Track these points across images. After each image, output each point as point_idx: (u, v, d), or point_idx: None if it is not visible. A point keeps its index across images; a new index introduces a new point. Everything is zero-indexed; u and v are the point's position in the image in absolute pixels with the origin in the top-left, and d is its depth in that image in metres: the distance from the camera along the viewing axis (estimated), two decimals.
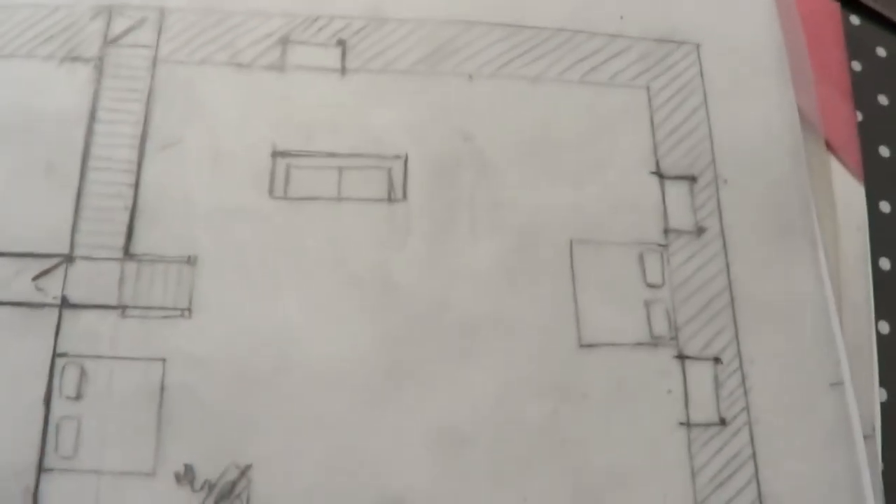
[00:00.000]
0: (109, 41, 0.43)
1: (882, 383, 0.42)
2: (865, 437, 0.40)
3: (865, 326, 0.42)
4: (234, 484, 0.37)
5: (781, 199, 0.43)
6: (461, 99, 0.43)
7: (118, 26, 0.43)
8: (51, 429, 0.37)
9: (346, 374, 0.39)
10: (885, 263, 0.44)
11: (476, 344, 0.40)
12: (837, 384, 0.40)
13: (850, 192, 0.45)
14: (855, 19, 0.50)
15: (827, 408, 0.40)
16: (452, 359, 0.39)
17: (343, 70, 0.43)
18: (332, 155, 0.42)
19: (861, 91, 0.48)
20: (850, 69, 0.48)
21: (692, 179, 0.43)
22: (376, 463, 0.37)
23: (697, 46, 0.45)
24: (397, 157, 0.42)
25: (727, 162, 0.43)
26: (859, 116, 0.47)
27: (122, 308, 0.39)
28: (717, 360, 0.40)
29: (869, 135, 0.47)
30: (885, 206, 0.46)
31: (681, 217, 0.42)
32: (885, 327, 0.43)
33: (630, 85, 0.44)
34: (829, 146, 0.45)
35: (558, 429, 0.38)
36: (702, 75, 0.45)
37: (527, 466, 0.38)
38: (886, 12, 0.49)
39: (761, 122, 0.44)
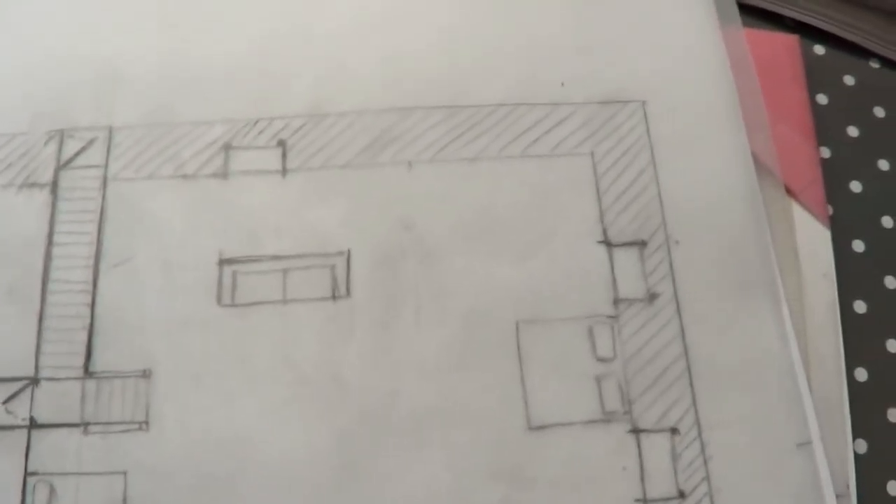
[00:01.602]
0: (62, 164, 0.44)
1: (859, 434, 0.41)
2: (838, 497, 0.39)
3: (835, 378, 0.41)
4: None
5: (739, 254, 0.42)
6: (401, 188, 0.43)
7: (70, 149, 0.45)
8: None
9: (302, 473, 0.39)
10: (860, 307, 0.43)
11: (427, 434, 0.40)
12: (805, 444, 0.39)
13: (814, 238, 0.44)
14: (819, 49, 0.48)
15: (794, 470, 0.39)
16: (405, 451, 0.39)
17: (284, 171, 0.44)
18: (276, 258, 0.42)
19: (827, 125, 0.46)
20: (815, 103, 0.47)
21: (642, 244, 0.42)
22: None
23: (643, 104, 0.45)
24: (340, 253, 0.42)
25: (678, 222, 0.42)
26: (825, 153, 0.46)
27: (84, 425, 0.40)
28: (674, 430, 0.39)
29: (837, 171, 0.45)
30: (858, 246, 0.44)
31: (631, 285, 0.42)
32: (862, 374, 0.42)
33: (574, 153, 0.44)
34: (790, 191, 0.44)
35: None
36: (648, 134, 0.44)
37: None
38: (853, 37, 0.47)
39: (714, 175, 0.43)
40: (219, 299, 0.42)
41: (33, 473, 0.40)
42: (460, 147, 0.44)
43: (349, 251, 0.42)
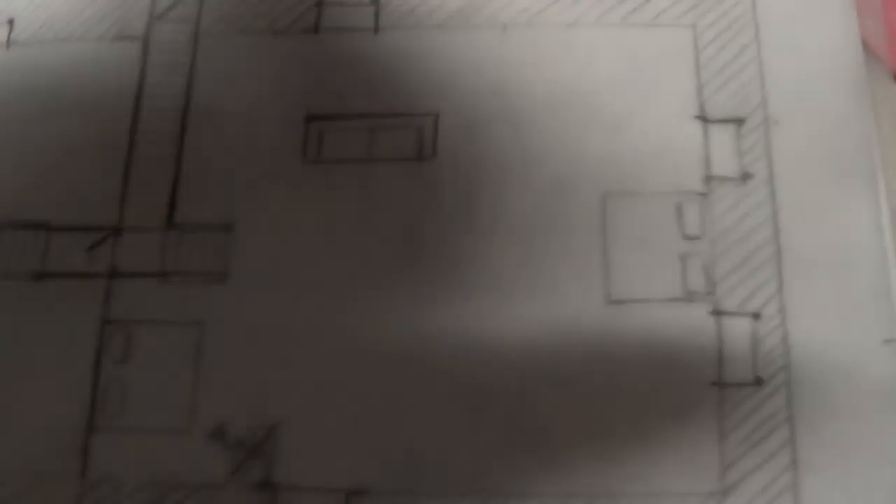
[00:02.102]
0: (155, 17, 0.44)
1: None
2: None
3: None
4: (262, 441, 0.38)
5: (841, 140, 0.40)
6: (494, 52, 0.42)
7: (163, 2, 0.44)
8: (100, 391, 0.39)
9: (375, 334, 0.39)
10: None
11: (504, 301, 0.39)
12: (891, 341, 0.37)
13: None
14: None
15: (878, 367, 0.37)
16: (482, 315, 0.39)
17: (377, 28, 0.43)
18: (363, 116, 0.42)
19: None
20: None
21: (739, 122, 0.40)
22: (399, 421, 0.38)
23: None
24: (428, 114, 0.42)
25: (779, 101, 0.40)
26: None
27: (163, 275, 0.41)
28: (756, 315, 0.38)
29: None
30: None
31: (725, 163, 0.40)
32: None
33: (675, 24, 0.42)
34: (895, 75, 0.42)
35: (582, 386, 0.38)
36: (754, 8, 0.42)
37: (550, 423, 0.37)
38: None
39: (820, 56, 0.41)
40: (304, 155, 0.42)
41: (111, 321, 0.40)
42: (558, 12, 0.43)
43: (438, 114, 0.42)
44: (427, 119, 0.42)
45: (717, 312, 0.38)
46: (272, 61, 0.43)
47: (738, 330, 0.38)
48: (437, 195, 0.40)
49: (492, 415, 0.38)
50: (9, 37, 0.45)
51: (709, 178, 0.40)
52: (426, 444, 0.38)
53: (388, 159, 0.41)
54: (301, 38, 0.43)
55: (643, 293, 0.38)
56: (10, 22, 0.45)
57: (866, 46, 0.41)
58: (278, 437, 0.38)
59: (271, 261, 0.40)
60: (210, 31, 0.44)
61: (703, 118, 0.40)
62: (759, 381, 0.37)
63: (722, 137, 0.40)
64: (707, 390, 0.37)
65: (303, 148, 0.42)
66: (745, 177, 0.40)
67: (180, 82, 0.43)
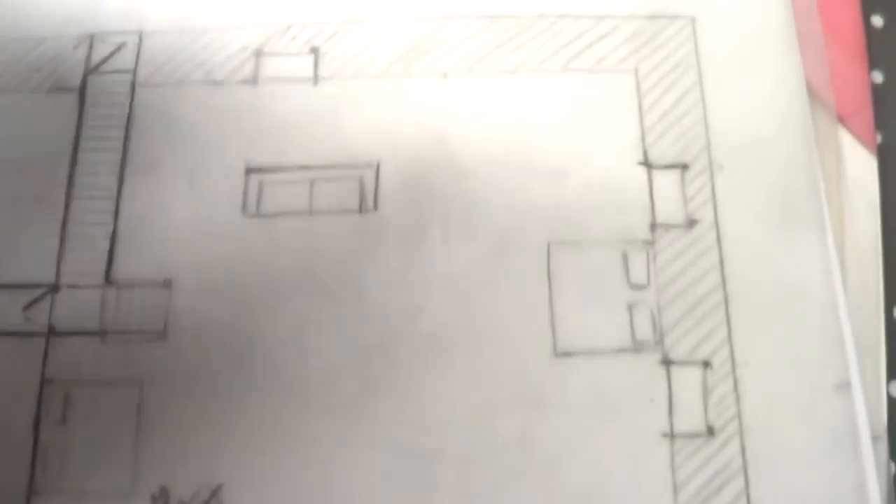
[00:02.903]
0: (91, 69, 0.43)
1: (894, 376, 0.39)
2: (874, 439, 0.37)
3: (874, 316, 0.39)
4: None
5: (786, 182, 0.40)
6: (436, 99, 0.42)
7: (99, 54, 0.44)
8: (39, 453, 0.38)
9: (318, 388, 0.38)
10: None
11: (449, 354, 0.38)
12: (843, 385, 0.37)
13: (860, 167, 0.41)
14: None
15: (830, 412, 0.37)
16: (426, 370, 0.38)
17: (316, 78, 0.43)
18: (304, 167, 0.41)
19: (882, 48, 0.43)
20: (869, 25, 0.43)
21: (684, 167, 0.40)
22: (345, 480, 0.37)
23: (692, 20, 0.42)
24: (369, 165, 0.41)
25: (724, 145, 0.40)
26: (878, 78, 0.43)
27: (102, 334, 0.40)
28: (706, 364, 0.38)
29: (888, 97, 0.42)
30: None
31: (670, 209, 0.40)
32: None
33: (617, 69, 0.42)
34: (838, 116, 0.41)
35: (530, 442, 0.37)
36: (697, 52, 0.42)
37: (499, 482, 0.37)
38: None
39: (764, 98, 0.41)
40: (244, 208, 0.41)
41: (50, 381, 0.39)
42: (499, 59, 0.42)
43: (379, 163, 0.41)
44: (368, 170, 0.41)
45: (667, 362, 0.38)
46: (210, 112, 0.42)
47: (689, 379, 0.37)
48: (380, 247, 0.40)
49: (441, 473, 0.37)
50: None
51: (654, 226, 0.39)
52: (374, 503, 0.37)
53: (330, 212, 0.40)
54: (239, 88, 0.42)
55: (591, 344, 0.38)
56: None
57: (810, 88, 0.41)
58: (222, 500, 0.37)
59: (212, 317, 0.39)
60: (147, 83, 0.43)
61: (648, 164, 0.40)
62: (711, 431, 0.37)
63: (666, 184, 0.40)
64: (659, 442, 0.37)
65: (243, 201, 0.41)
66: (691, 223, 0.39)
67: (117, 135, 0.42)
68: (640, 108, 0.41)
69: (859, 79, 0.42)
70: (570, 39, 0.42)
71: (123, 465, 0.38)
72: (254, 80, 0.43)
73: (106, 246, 0.41)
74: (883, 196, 0.41)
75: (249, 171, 0.41)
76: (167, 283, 0.40)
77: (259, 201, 0.41)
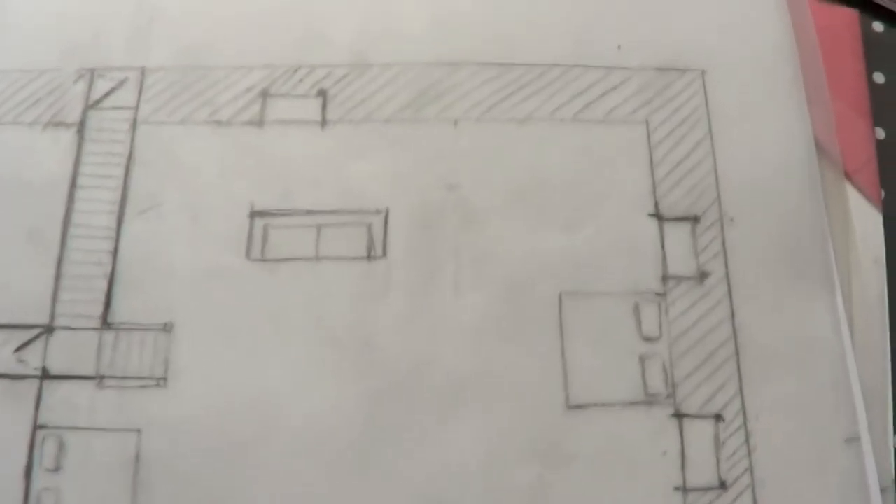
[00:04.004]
0: (91, 104, 0.43)
1: None
2: (883, 491, 0.37)
3: (881, 369, 0.39)
4: None
5: (795, 235, 0.40)
6: (446, 146, 0.42)
7: (100, 89, 0.43)
8: (31, 501, 0.37)
9: (326, 438, 0.38)
10: None
11: (460, 405, 0.38)
12: (853, 438, 0.37)
13: (866, 221, 0.41)
14: (878, 26, 0.46)
15: (840, 465, 0.37)
16: (435, 421, 0.38)
17: (323, 122, 0.42)
18: (310, 212, 0.41)
19: (884, 105, 0.44)
20: (871, 81, 0.44)
21: (694, 220, 0.40)
22: None
23: (702, 73, 0.43)
24: (378, 211, 0.41)
25: (734, 198, 0.41)
26: (881, 134, 0.43)
27: (99, 378, 0.38)
28: (718, 417, 0.37)
29: (891, 153, 0.43)
30: None
31: (681, 262, 0.40)
32: None
33: (628, 120, 0.42)
34: (846, 172, 0.42)
35: (544, 495, 0.37)
36: (707, 104, 0.42)
37: None
38: None
39: (773, 151, 0.41)
40: (248, 253, 0.40)
41: (43, 426, 0.38)
42: (510, 107, 0.42)
43: (387, 209, 0.41)
44: (377, 216, 0.41)
45: (679, 415, 0.37)
46: (214, 153, 0.42)
47: (701, 433, 0.37)
48: (389, 295, 0.39)
49: None
50: None
51: (666, 278, 0.39)
52: None
53: (337, 258, 0.40)
54: (245, 129, 0.42)
55: (603, 397, 0.38)
56: None
57: (818, 143, 0.42)
58: None
59: (214, 362, 0.38)
60: (149, 120, 0.42)
61: (659, 216, 0.40)
62: (723, 485, 0.37)
63: (678, 236, 0.40)
64: (672, 496, 0.36)
65: (247, 244, 0.40)
66: (703, 276, 0.39)
67: (118, 173, 0.41)
68: (651, 160, 0.41)
69: (864, 135, 0.43)
70: (581, 90, 0.42)
71: None
72: (260, 122, 0.42)
73: (104, 287, 0.40)
74: (889, 251, 0.41)
75: (254, 214, 0.41)
76: (168, 327, 0.39)
77: (264, 245, 0.40)
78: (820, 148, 0.42)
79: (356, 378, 0.38)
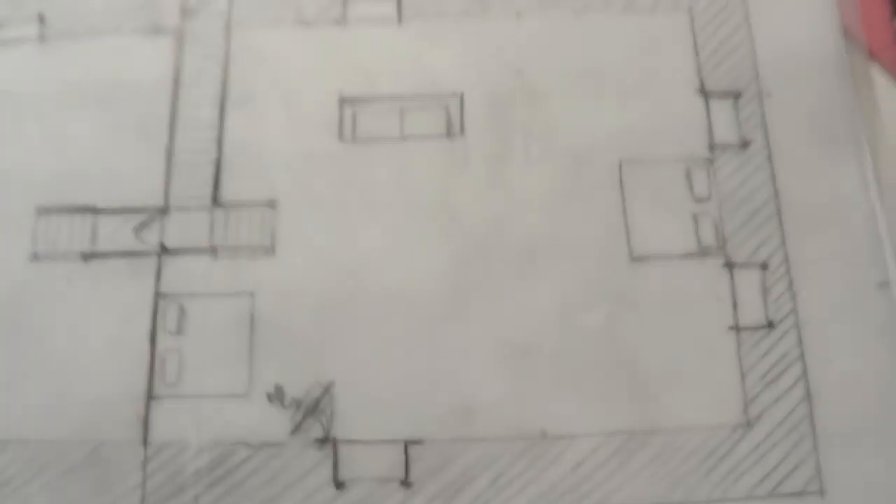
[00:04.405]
0: (188, 11, 0.47)
1: None
2: None
3: None
4: (318, 400, 0.41)
5: (825, 108, 0.45)
6: (511, 36, 0.46)
7: None
8: (157, 361, 0.42)
9: (417, 296, 0.42)
10: None
11: (535, 261, 0.43)
12: (884, 283, 0.42)
13: (891, 98, 0.45)
14: None
15: (874, 307, 0.42)
16: (513, 275, 0.42)
17: (400, 18, 0.47)
18: (393, 98, 0.45)
19: None
20: None
21: (736, 95, 0.45)
22: (447, 375, 0.41)
23: None
24: (454, 94, 0.45)
25: (770, 76, 0.45)
26: None
27: (212, 250, 0.43)
28: (764, 266, 0.42)
29: None
30: None
31: (726, 131, 0.44)
32: None
33: (673, 9, 0.46)
34: (870, 53, 0.46)
35: (613, 335, 0.41)
36: None
37: (585, 372, 0.41)
38: None
39: (804, 34, 0.46)
40: (340, 135, 0.45)
41: (164, 295, 0.43)
42: (567, 0, 0.47)
43: (462, 93, 0.45)
44: (453, 99, 0.45)
45: (729, 265, 0.42)
46: (303, 50, 0.46)
47: (749, 279, 0.42)
48: (468, 168, 0.44)
49: (533, 365, 0.41)
50: (40, 32, 0.47)
51: (713, 146, 0.44)
52: (476, 393, 0.41)
53: (420, 137, 0.44)
54: (328, 28, 0.46)
55: (662, 250, 0.42)
56: (41, 17, 0.47)
57: (844, 27, 0.46)
58: (334, 395, 0.41)
59: (315, 233, 0.43)
60: (241, 24, 0.47)
61: (704, 92, 0.45)
62: (771, 325, 0.41)
63: (722, 109, 0.45)
64: (726, 334, 0.41)
65: (338, 128, 0.45)
66: (745, 144, 0.44)
67: (216, 71, 0.46)
68: (695, 43, 0.46)
69: (885, 20, 0.47)
70: None
71: (239, 368, 0.41)
72: (342, 21, 0.47)
73: (212, 171, 0.44)
74: None
75: (343, 101, 0.45)
76: (272, 204, 0.44)
77: (354, 128, 0.45)
78: (846, 30, 0.46)
79: (442, 241, 0.43)
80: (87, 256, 0.43)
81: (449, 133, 0.44)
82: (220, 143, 0.45)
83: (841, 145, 0.44)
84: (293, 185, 0.44)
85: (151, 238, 0.43)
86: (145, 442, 0.41)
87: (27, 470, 0.41)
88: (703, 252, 0.42)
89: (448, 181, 0.44)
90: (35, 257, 0.43)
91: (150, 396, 0.41)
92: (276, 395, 0.41)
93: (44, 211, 0.44)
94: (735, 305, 0.42)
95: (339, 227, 0.43)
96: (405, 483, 0.40)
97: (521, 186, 0.44)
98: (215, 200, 0.44)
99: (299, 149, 0.44)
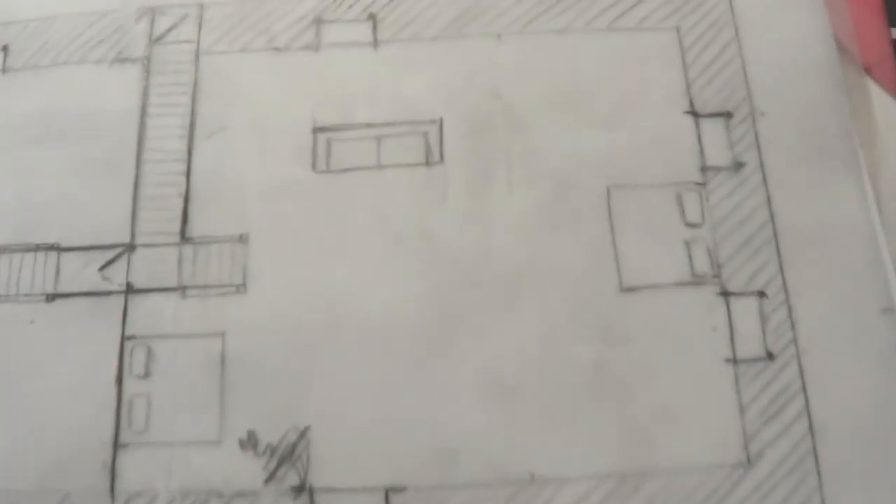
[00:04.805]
0: (154, 40, 0.45)
1: None
2: None
3: None
4: (294, 445, 0.39)
5: (821, 125, 0.43)
6: (490, 59, 0.44)
7: (161, 25, 0.46)
8: (124, 406, 0.40)
9: (396, 329, 0.40)
10: None
11: (519, 292, 0.41)
12: (888, 310, 0.40)
13: (888, 113, 0.44)
14: None
15: (877, 334, 0.40)
16: (497, 308, 0.40)
17: (375, 43, 0.45)
18: (369, 125, 0.43)
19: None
20: None
21: (728, 115, 0.43)
22: (428, 415, 0.39)
23: None
24: (432, 121, 0.43)
25: (762, 94, 0.43)
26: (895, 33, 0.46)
27: (181, 289, 0.41)
28: (762, 294, 0.40)
29: None
30: None
31: (717, 154, 0.42)
32: None
33: (659, 28, 0.44)
34: (865, 67, 0.45)
35: (604, 372, 0.39)
36: (732, 10, 0.45)
37: (574, 410, 0.39)
38: None
39: (796, 50, 0.44)
40: (314, 166, 0.43)
41: (131, 337, 0.41)
42: (548, 20, 0.45)
43: (441, 119, 0.43)
44: (431, 126, 0.43)
45: (725, 293, 0.40)
46: (275, 77, 0.44)
47: (747, 308, 0.40)
48: (448, 196, 0.42)
49: (519, 403, 0.39)
50: (3, 63, 0.46)
51: (704, 169, 0.42)
52: (459, 434, 0.39)
53: (398, 165, 0.43)
54: (302, 54, 0.45)
55: (654, 279, 0.40)
56: (5, 48, 0.46)
57: (837, 41, 0.44)
58: (311, 440, 0.39)
59: (289, 268, 0.41)
60: (211, 51, 0.45)
61: (694, 113, 0.43)
62: (770, 356, 0.39)
63: (713, 130, 0.43)
64: (723, 367, 0.39)
65: (312, 158, 0.43)
66: (738, 166, 0.42)
67: (185, 101, 0.44)
68: (683, 63, 0.44)
69: (879, 32, 0.45)
70: (614, 1, 0.45)
71: (209, 412, 0.39)
72: (316, 47, 0.45)
73: (180, 205, 0.43)
74: None
75: (317, 130, 0.43)
76: (243, 238, 0.42)
77: (328, 158, 0.43)
78: (839, 45, 0.44)
79: (421, 272, 0.41)
80: (51, 297, 0.41)
81: (428, 161, 0.43)
82: (188, 175, 0.43)
83: (837, 165, 0.42)
84: (266, 217, 0.42)
85: (118, 277, 0.42)
86: (112, 492, 0.39)
87: None
88: (696, 280, 0.40)
89: (428, 211, 0.42)
90: None
91: (117, 444, 0.39)
92: (249, 442, 0.39)
93: (4, 249, 0.42)
94: (732, 336, 0.40)
95: (314, 261, 0.41)
96: None
97: (503, 214, 0.42)
98: (183, 236, 0.42)
99: (272, 179, 0.43)
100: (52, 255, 0.42)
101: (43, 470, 0.39)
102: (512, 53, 0.44)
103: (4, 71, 0.46)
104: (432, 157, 0.43)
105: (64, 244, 0.42)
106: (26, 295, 0.41)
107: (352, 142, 0.43)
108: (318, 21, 0.45)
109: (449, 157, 0.43)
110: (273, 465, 0.39)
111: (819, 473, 0.38)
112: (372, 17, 0.45)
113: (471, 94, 0.44)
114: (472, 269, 0.41)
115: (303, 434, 0.39)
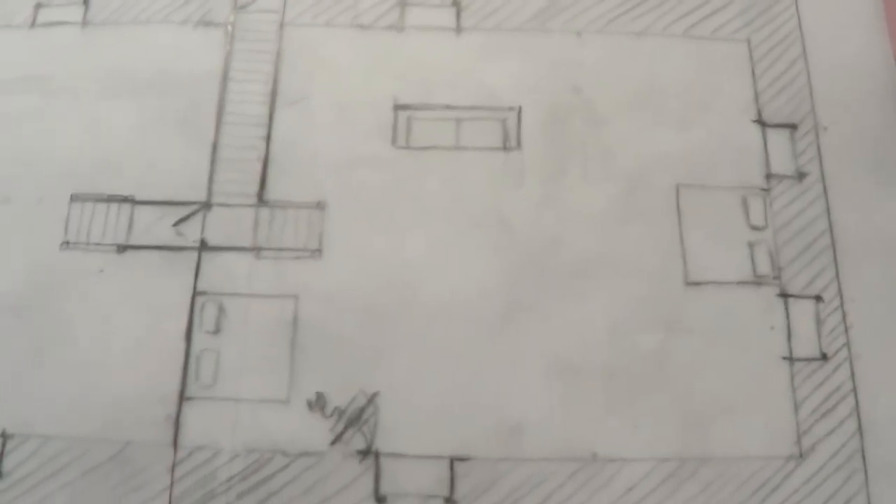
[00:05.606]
0: (239, 7, 0.46)
1: None
2: None
3: None
4: (362, 410, 0.40)
5: (881, 141, 0.45)
6: (571, 54, 0.46)
7: None
8: (192, 361, 0.40)
9: (467, 308, 0.41)
10: None
11: (588, 280, 0.42)
12: None
13: None
14: None
15: None
16: (566, 294, 0.42)
17: (458, 29, 0.46)
18: (449, 108, 0.44)
19: None
20: None
21: (793, 127, 0.45)
22: (495, 391, 0.40)
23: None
24: (511, 108, 0.44)
25: (826, 109, 0.45)
26: None
27: (256, 250, 0.42)
28: (818, 298, 0.42)
29: None
30: None
31: (782, 163, 0.44)
32: None
33: (732, 38, 0.46)
34: None
35: (666, 360, 0.41)
36: (800, 26, 0.47)
37: (637, 395, 0.40)
38: None
39: (858, 67, 0.46)
40: (393, 141, 0.44)
41: (202, 293, 0.41)
42: (627, 22, 0.46)
43: (520, 107, 0.45)
44: (510, 113, 0.44)
45: (784, 294, 0.42)
46: (358, 53, 0.45)
47: (804, 311, 0.41)
48: (524, 182, 0.43)
49: (584, 385, 0.40)
50: (84, 16, 0.46)
51: (769, 176, 0.44)
52: (525, 410, 0.40)
53: (476, 148, 0.44)
54: (385, 34, 0.46)
55: (717, 276, 0.42)
56: (86, 2, 0.46)
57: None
58: (379, 406, 0.39)
59: (365, 238, 0.42)
60: (295, 23, 0.46)
61: (762, 122, 0.45)
62: (824, 357, 0.41)
63: (779, 140, 0.44)
64: (779, 364, 0.41)
65: (392, 133, 0.44)
66: (801, 175, 0.44)
67: (267, 68, 0.45)
68: (753, 73, 0.45)
69: None
70: (690, 9, 0.47)
71: (279, 373, 0.40)
72: (399, 27, 0.46)
73: (258, 168, 0.43)
74: None
75: (397, 107, 0.44)
76: (320, 206, 0.43)
77: (408, 134, 0.44)
78: None
79: (493, 254, 0.42)
80: (122, 248, 0.42)
81: (505, 146, 0.44)
82: (268, 140, 0.43)
83: (895, 180, 0.44)
84: (343, 188, 0.43)
85: (192, 233, 0.42)
86: (175, 444, 0.39)
87: (47, 467, 0.39)
88: (758, 281, 0.42)
89: (503, 194, 0.43)
90: (66, 245, 0.42)
91: (182, 397, 0.40)
92: (318, 403, 0.40)
93: (78, 198, 0.42)
94: (789, 335, 0.41)
95: (390, 234, 0.42)
96: (450, 501, 0.39)
97: (576, 204, 0.43)
98: (261, 199, 0.43)
99: (351, 152, 0.43)
100: (126, 207, 0.42)
101: (105, 418, 0.39)
102: (592, 51, 0.46)
103: (85, 24, 0.46)
104: (510, 143, 0.44)
105: (138, 197, 0.42)
106: (97, 244, 0.42)
107: (432, 121, 0.44)
108: (403, 3, 0.46)
109: (526, 144, 0.44)
110: (340, 427, 0.39)
111: (866, 471, 0.39)
112: (456, 4, 0.46)
113: (551, 86, 0.45)
114: (544, 254, 0.42)
115: (371, 399, 0.40)
